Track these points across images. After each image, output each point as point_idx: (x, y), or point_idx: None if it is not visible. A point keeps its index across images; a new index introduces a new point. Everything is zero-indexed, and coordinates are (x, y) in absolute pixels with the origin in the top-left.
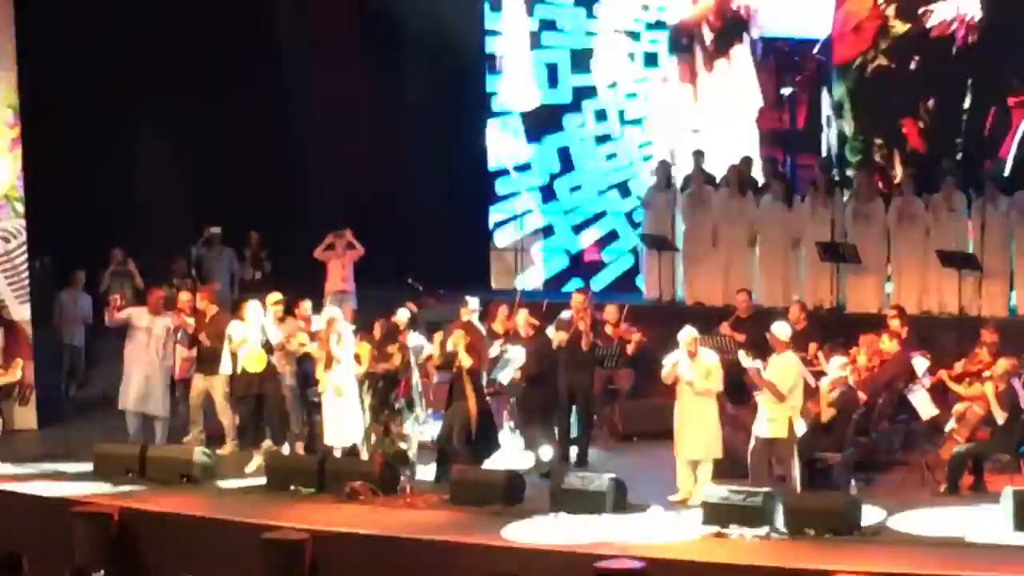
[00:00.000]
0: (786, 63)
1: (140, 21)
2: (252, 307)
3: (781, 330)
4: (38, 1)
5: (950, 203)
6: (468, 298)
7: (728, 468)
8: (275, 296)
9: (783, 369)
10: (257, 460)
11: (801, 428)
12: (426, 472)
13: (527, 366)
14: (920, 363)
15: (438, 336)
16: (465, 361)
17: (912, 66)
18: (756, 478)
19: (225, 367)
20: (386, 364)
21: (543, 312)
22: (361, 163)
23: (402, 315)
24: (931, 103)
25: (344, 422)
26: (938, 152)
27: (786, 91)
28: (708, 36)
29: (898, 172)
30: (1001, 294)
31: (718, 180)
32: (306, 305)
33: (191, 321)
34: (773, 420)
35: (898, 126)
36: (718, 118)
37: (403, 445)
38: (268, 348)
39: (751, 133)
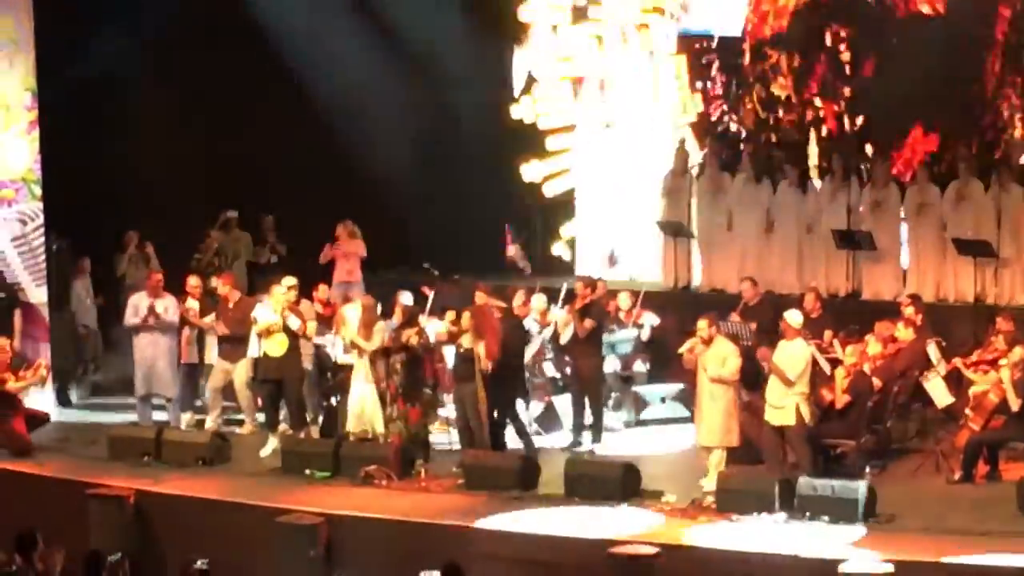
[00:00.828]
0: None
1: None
2: (277, 291)
3: (793, 317)
4: None
5: (965, 191)
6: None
7: (744, 454)
8: (290, 280)
9: (792, 355)
10: (272, 444)
11: (807, 414)
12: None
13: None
14: (935, 351)
15: (449, 315)
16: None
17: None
18: (771, 464)
19: (252, 350)
20: (403, 343)
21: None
22: (378, 144)
23: (404, 298)
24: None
25: (364, 410)
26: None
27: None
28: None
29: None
30: (1018, 282)
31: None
32: (323, 289)
33: (195, 305)
34: (780, 408)
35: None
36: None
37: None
38: (289, 332)
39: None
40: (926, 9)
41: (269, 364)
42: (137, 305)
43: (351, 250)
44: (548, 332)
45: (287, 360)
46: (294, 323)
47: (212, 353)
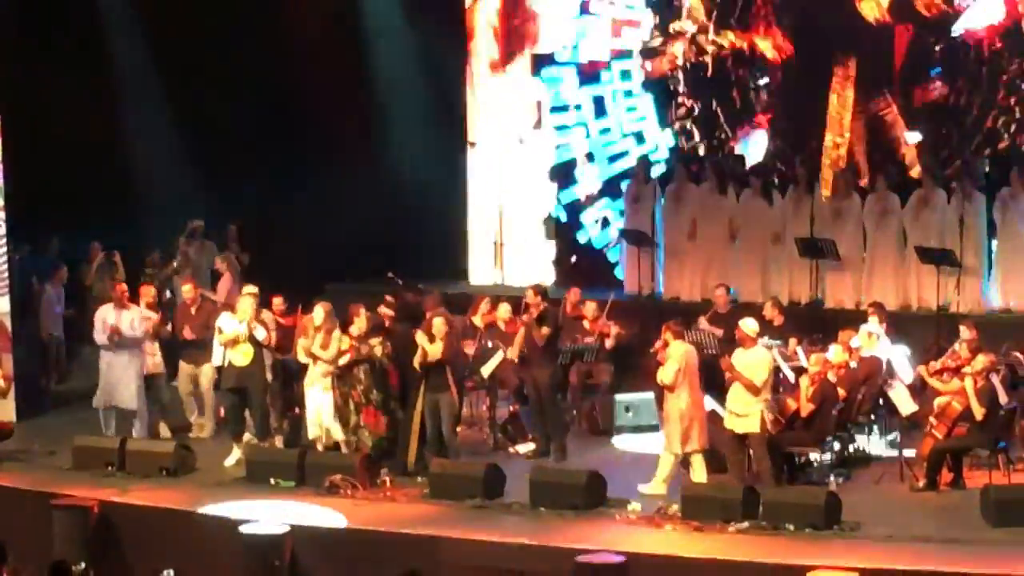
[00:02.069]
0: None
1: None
2: (244, 301)
3: (749, 325)
4: None
5: (928, 199)
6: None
7: (709, 462)
8: (250, 288)
9: (752, 363)
10: (236, 453)
11: (770, 421)
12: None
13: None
14: (898, 359)
15: (421, 337)
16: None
17: None
18: (733, 472)
19: (215, 359)
20: (367, 352)
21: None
22: (340, 155)
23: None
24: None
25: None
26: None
27: None
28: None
29: None
30: (979, 290)
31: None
32: (278, 300)
33: (152, 315)
34: (744, 415)
35: None
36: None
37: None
38: (254, 342)
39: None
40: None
41: (234, 373)
42: (104, 319)
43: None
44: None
45: (252, 370)
46: (260, 334)
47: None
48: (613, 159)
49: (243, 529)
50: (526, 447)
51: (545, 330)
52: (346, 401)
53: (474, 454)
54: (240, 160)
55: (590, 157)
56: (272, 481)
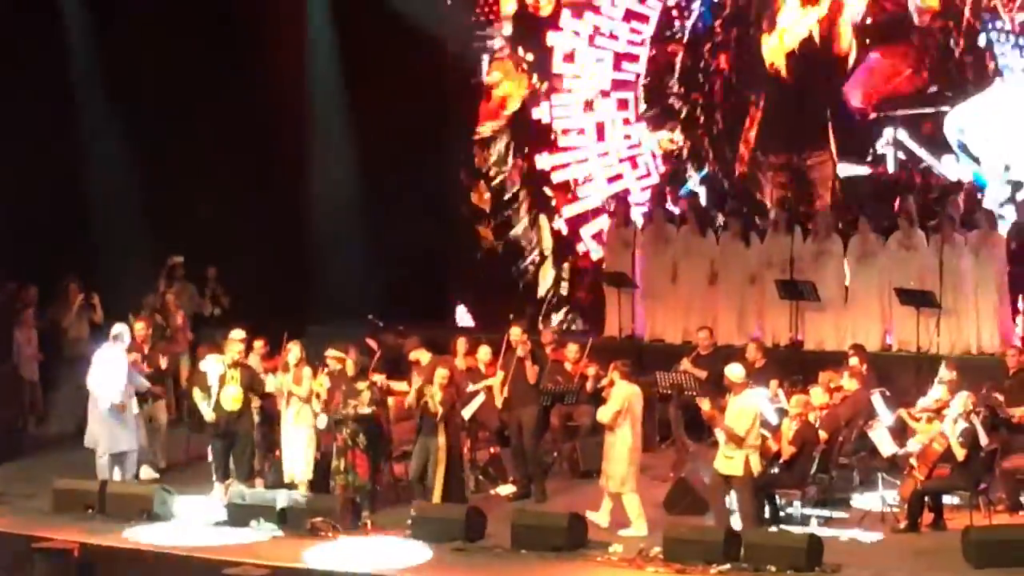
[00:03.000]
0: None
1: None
2: (232, 344)
3: (735, 372)
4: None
5: (908, 240)
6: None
7: (691, 504)
8: (239, 333)
9: (741, 411)
10: (219, 494)
11: (757, 466)
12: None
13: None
14: (879, 400)
15: (416, 380)
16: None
17: None
18: (717, 514)
19: (204, 410)
20: (356, 403)
21: None
22: (324, 196)
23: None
24: None
25: (300, 457)
26: None
27: None
28: None
29: None
30: (959, 331)
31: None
32: (259, 344)
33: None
34: (730, 457)
35: None
36: None
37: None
38: (245, 386)
39: None
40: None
41: (223, 418)
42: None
43: None
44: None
45: (241, 414)
46: (271, 385)
47: None
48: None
49: (226, 572)
50: (507, 489)
51: (536, 368)
52: (328, 444)
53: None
54: (218, 200)
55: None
56: (253, 523)
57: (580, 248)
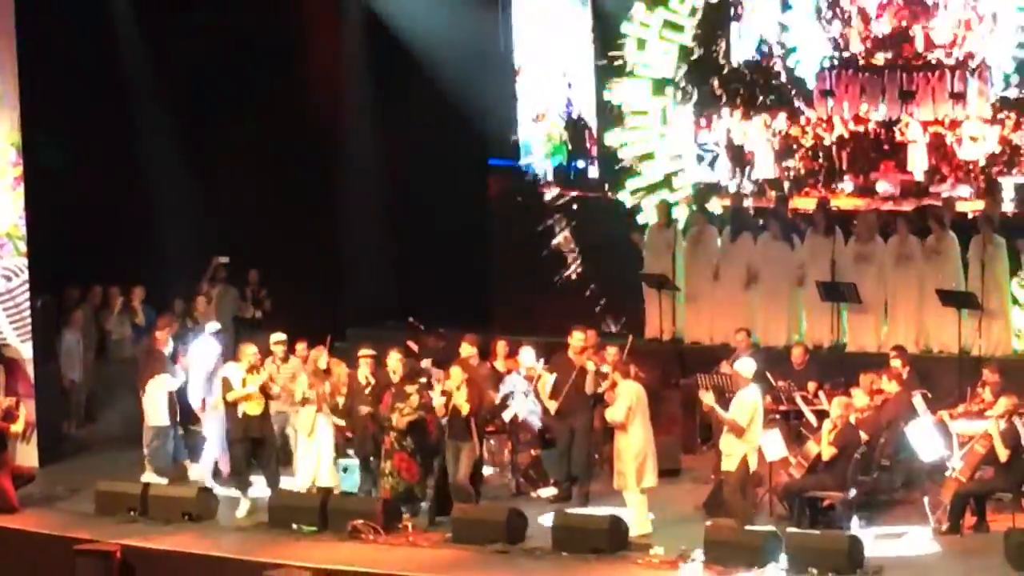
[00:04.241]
0: None
1: (143, 55)
2: (247, 350)
3: (743, 366)
4: (41, 37)
5: (940, 245)
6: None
7: (721, 508)
8: (278, 336)
9: (740, 404)
10: (246, 504)
11: (754, 464)
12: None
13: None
14: (921, 402)
15: (439, 387)
16: (464, 406)
17: None
18: (736, 514)
19: (219, 409)
20: (404, 406)
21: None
22: (362, 199)
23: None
24: None
25: (312, 462)
26: None
27: None
28: None
29: None
30: (1002, 333)
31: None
32: (301, 346)
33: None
34: (728, 455)
35: None
36: None
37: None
38: (265, 392)
39: None
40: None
41: (248, 423)
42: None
43: None
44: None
45: (266, 419)
46: (276, 389)
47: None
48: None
49: (267, 574)
50: (548, 491)
51: (596, 377)
52: (377, 447)
53: (496, 498)
54: (260, 203)
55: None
56: (294, 526)
57: None
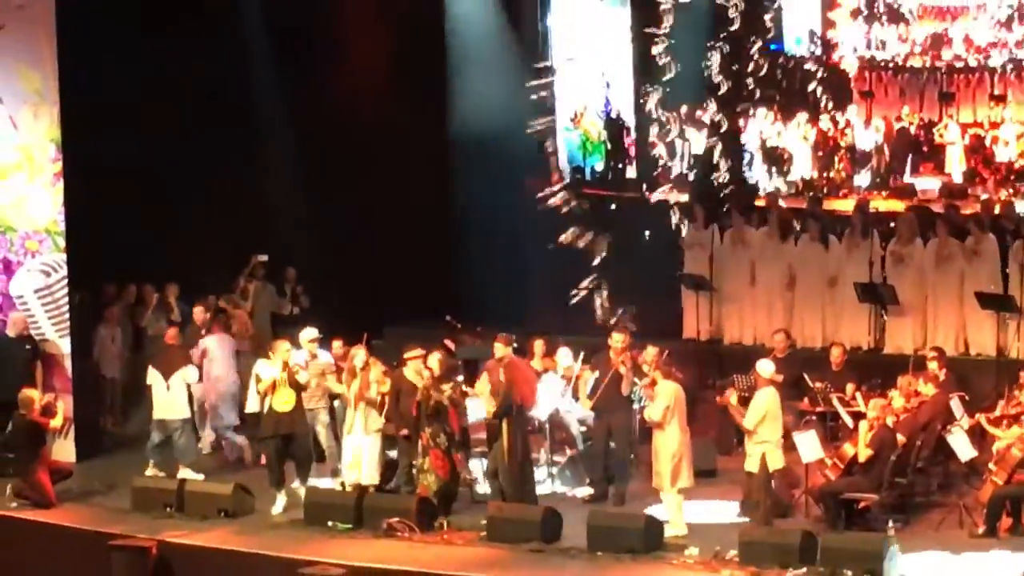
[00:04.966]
0: None
1: (182, 53)
2: (280, 346)
3: (763, 367)
4: (81, 34)
5: (979, 247)
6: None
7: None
8: (311, 333)
9: (754, 405)
10: (282, 501)
11: (775, 463)
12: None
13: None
14: (958, 405)
15: (482, 387)
16: (489, 406)
17: None
18: (760, 511)
19: (251, 405)
20: (437, 395)
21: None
22: (399, 197)
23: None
24: None
25: (359, 460)
26: None
27: None
28: None
29: None
30: None
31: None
32: (337, 344)
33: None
34: (750, 455)
35: None
36: None
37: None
38: (296, 387)
39: None
40: None
41: (277, 419)
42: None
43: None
44: (566, 386)
45: (295, 415)
46: (303, 377)
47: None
48: None
49: (302, 571)
50: (584, 491)
51: (632, 378)
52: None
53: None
54: (298, 201)
55: None
56: (330, 523)
57: None
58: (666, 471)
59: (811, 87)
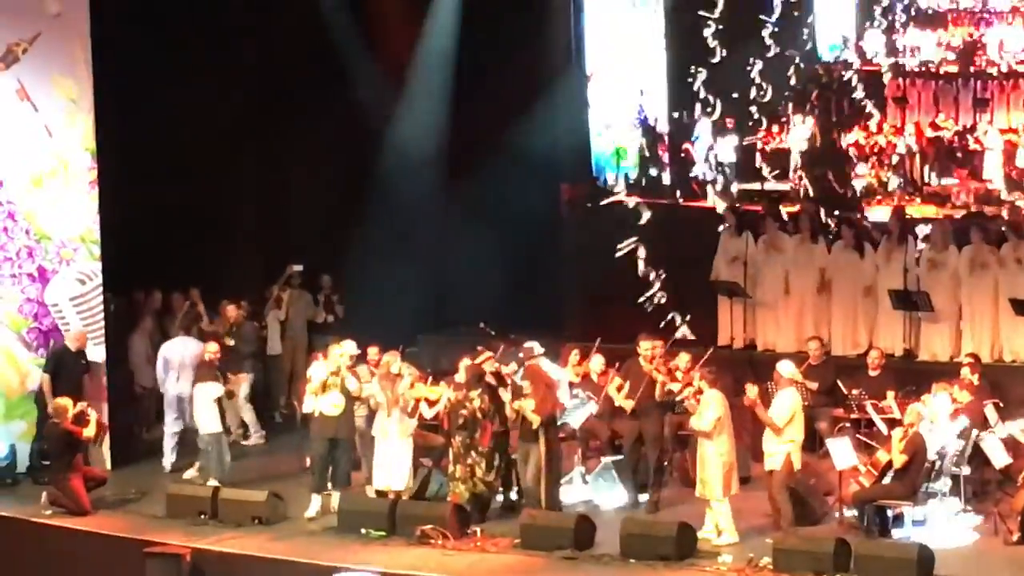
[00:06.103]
0: None
1: (217, 61)
2: (333, 350)
3: (784, 368)
4: (116, 42)
5: (1018, 252)
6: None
7: (801, 514)
8: (349, 348)
9: (780, 404)
10: (316, 504)
11: (798, 463)
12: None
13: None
14: (992, 412)
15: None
16: (533, 418)
17: None
18: (781, 512)
19: (306, 406)
20: (468, 405)
21: None
22: (434, 205)
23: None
24: None
25: (392, 466)
26: None
27: None
28: None
29: None
30: None
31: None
32: (373, 351)
33: None
34: (771, 454)
35: None
36: None
37: (486, 490)
38: (346, 393)
39: None
40: None
41: (325, 423)
42: None
43: None
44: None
45: (343, 420)
46: (352, 384)
47: None
48: None
49: None
50: (617, 498)
51: (665, 385)
52: (445, 450)
53: (564, 504)
54: (332, 209)
55: None
56: (363, 531)
57: None
58: (716, 480)
59: (854, 95)
